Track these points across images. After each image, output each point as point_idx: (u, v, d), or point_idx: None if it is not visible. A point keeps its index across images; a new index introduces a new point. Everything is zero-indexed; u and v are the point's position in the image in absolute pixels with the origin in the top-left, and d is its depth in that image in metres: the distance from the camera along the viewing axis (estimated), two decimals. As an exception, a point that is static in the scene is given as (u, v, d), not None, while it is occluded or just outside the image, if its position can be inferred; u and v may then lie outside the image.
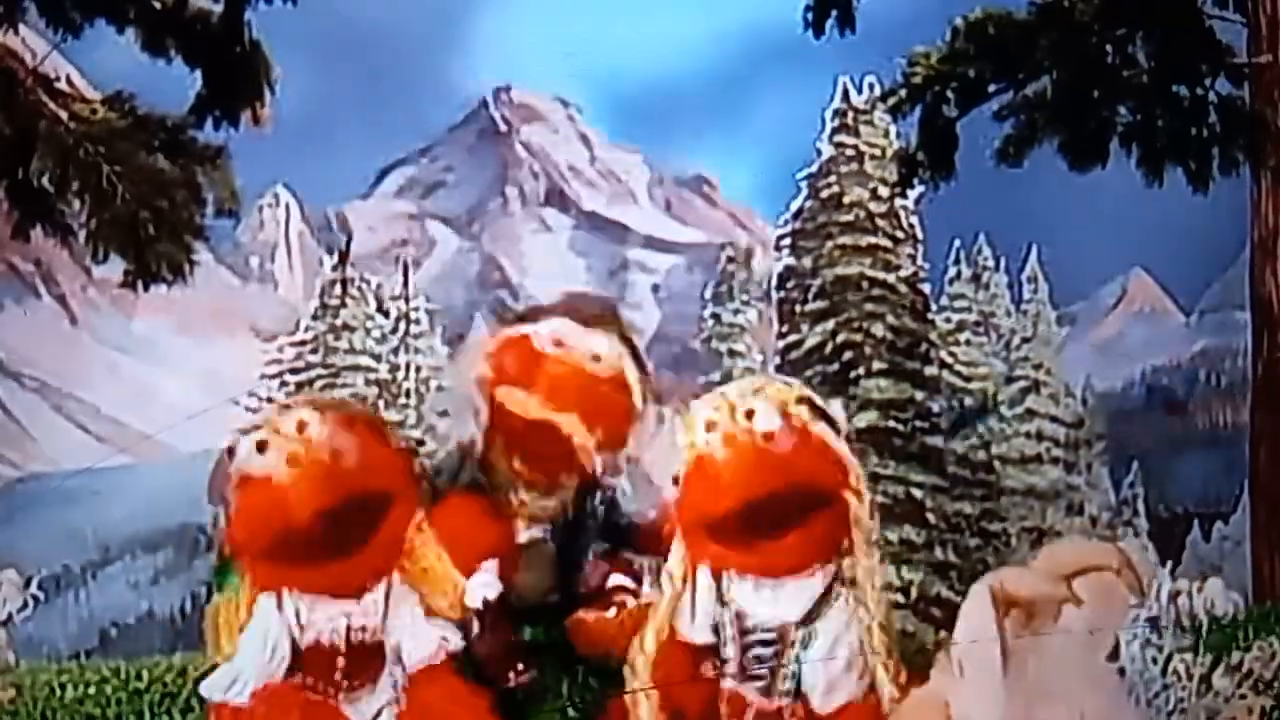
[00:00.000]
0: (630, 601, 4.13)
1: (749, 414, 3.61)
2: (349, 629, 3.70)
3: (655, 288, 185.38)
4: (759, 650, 3.66)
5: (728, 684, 3.67)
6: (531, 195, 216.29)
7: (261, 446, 3.61)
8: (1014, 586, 3.09)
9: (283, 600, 3.68)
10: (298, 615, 3.68)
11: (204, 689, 3.78)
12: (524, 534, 4.19)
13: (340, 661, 3.68)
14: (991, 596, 3.06)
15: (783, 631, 3.65)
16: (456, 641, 3.80)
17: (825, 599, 3.65)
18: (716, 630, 3.70)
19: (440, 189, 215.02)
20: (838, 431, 3.72)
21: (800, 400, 3.69)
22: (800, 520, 3.58)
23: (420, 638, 3.76)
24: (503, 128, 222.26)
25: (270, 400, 39.06)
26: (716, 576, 3.70)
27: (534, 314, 4.33)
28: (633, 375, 4.20)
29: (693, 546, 3.71)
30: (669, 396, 4.31)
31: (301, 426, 3.63)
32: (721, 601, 3.69)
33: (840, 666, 3.61)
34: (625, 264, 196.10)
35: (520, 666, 3.94)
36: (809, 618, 3.64)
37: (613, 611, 4.10)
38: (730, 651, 3.68)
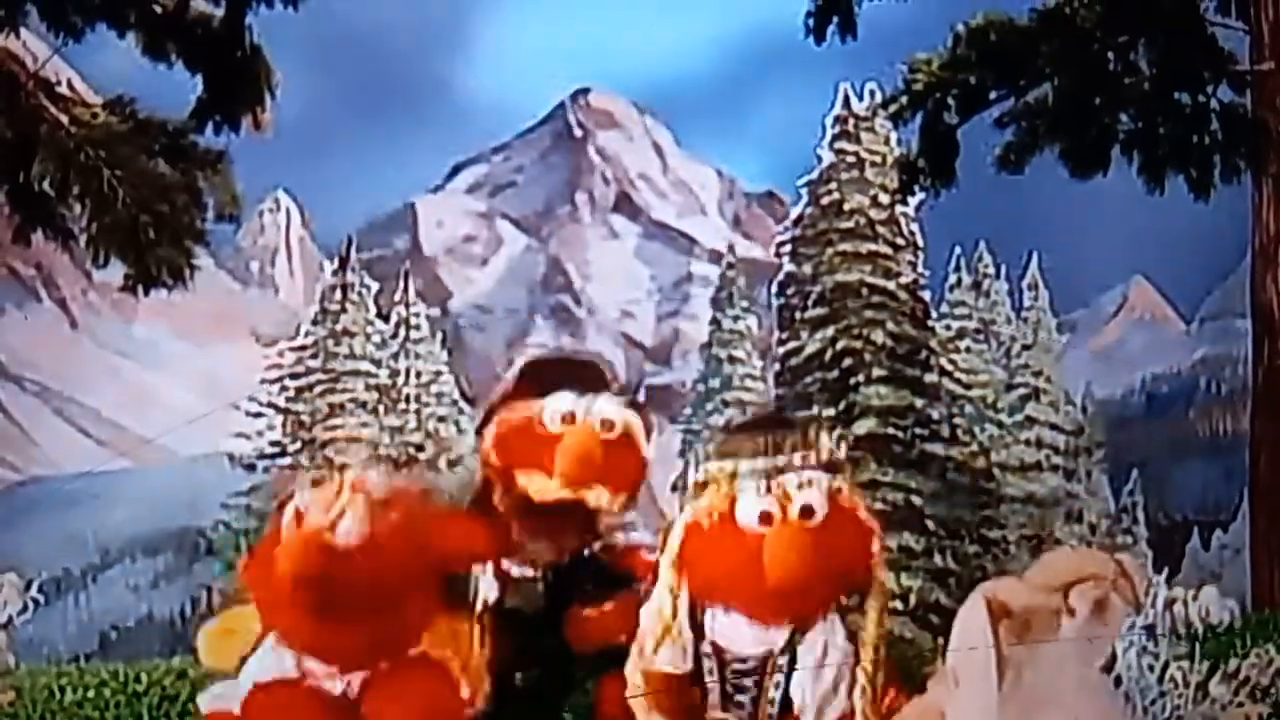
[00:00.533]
0: (626, 593, 4.03)
1: (805, 511, 3.57)
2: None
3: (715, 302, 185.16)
4: (738, 680, 3.63)
5: (711, 714, 3.63)
6: (601, 201, 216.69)
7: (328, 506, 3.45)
8: (1008, 597, 3.09)
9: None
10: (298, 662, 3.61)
11: (201, 702, 3.77)
12: (516, 570, 4.11)
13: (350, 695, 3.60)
14: (986, 606, 3.06)
15: (764, 659, 3.62)
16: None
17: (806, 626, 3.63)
18: (697, 659, 3.66)
19: (510, 189, 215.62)
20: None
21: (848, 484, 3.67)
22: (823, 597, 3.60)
23: None
24: (578, 132, 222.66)
25: (272, 405, 39.13)
26: (694, 607, 3.67)
27: (524, 388, 4.21)
28: (638, 429, 4.12)
29: (693, 588, 3.67)
30: None
31: (366, 495, 3.50)
32: (698, 633, 3.65)
33: (828, 685, 3.58)
34: (689, 276, 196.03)
35: (520, 676, 3.93)
36: (791, 643, 3.61)
37: (610, 604, 4.04)
38: (711, 681, 3.64)
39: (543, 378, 4.16)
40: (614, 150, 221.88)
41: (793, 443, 3.68)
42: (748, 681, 3.62)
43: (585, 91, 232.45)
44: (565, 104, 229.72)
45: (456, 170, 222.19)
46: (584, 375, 4.18)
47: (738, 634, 3.62)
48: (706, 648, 3.64)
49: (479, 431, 4.22)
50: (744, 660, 3.62)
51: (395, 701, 3.53)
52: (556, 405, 4.01)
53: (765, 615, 3.60)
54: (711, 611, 3.65)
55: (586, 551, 4.21)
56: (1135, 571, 3.20)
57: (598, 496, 4.01)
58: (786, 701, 3.59)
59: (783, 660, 3.60)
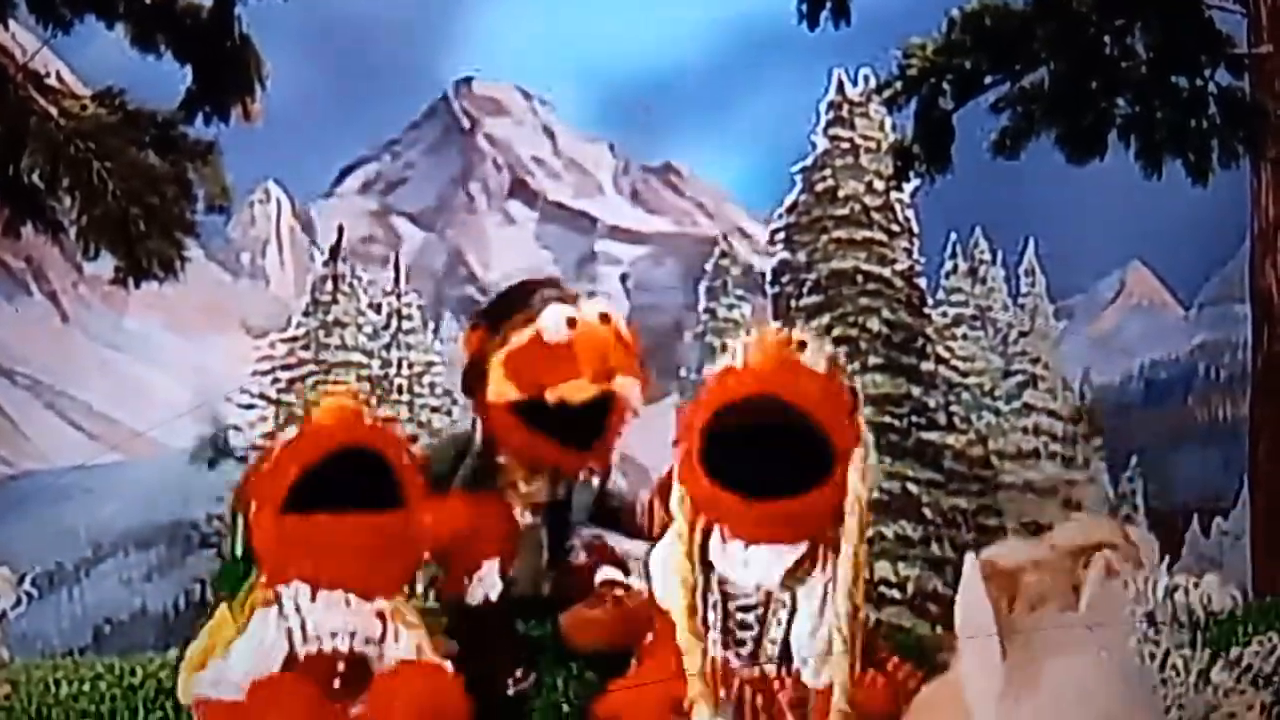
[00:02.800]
0: (619, 593, 4.13)
1: (800, 344, 3.65)
2: (353, 642, 3.66)
3: (624, 278, 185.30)
4: (741, 616, 3.60)
5: (713, 651, 3.59)
6: (495, 189, 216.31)
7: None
8: (1005, 559, 3.10)
9: (285, 609, 3.64)
10: (303, 626, 3.63)
11: (188, 688, 3.75)
12: (520, 521, 4.21)
13: (340, 666, 3.63)
14: (983, 571, 3.02)
15: (764, 598, 3.59)
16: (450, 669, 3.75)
17: (806, 565, 3.59)
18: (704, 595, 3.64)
19: (403, 185, 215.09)
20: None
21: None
22: (802, 488, 3.53)
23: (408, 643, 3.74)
24: (465, 122, 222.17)
25: (263, 397, 39.12)
26: (705, 535, 3.66)
27: (505, 303, 4.35)
28: (621, 319, 4.29)
29: (690, 483, 3.64)
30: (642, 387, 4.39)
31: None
32: (704, 563, 3.64)
33: (824, 644, 3.53)
34: (593, 255, 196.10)
35: (519, 673, 3.95)
36: (788, 583, 3.58)
37: (606, 605, 4.10)
38: (714, 617, 3.61)
39: (514, 303, 4.29)
40: (504, 136, 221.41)
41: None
42: (750, 618, 3.60)
43: (469, 80, 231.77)
44: (449, 95, 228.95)
45: (346, 172, 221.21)
46: (549, 288, 4.33)
47: (750, 563, 3.60)
48: (714, 584, 3.62)
49: (468, 389, 4.31)
50: (747, 596, 3.59)
51: (396, 701, 3.53)
52: (555, 316, 4.14)
53: (751, 532, 3.60)
54: (716, 541, 3.64)
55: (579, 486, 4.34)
56: (1142, 541, 3.23)
57: (624, 386, 4.19)
58: (787, 647, 3.57)
59: (784, 597, 3.57)
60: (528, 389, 4.13)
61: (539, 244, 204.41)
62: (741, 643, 3.60)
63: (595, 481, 4.40)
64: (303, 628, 3.63)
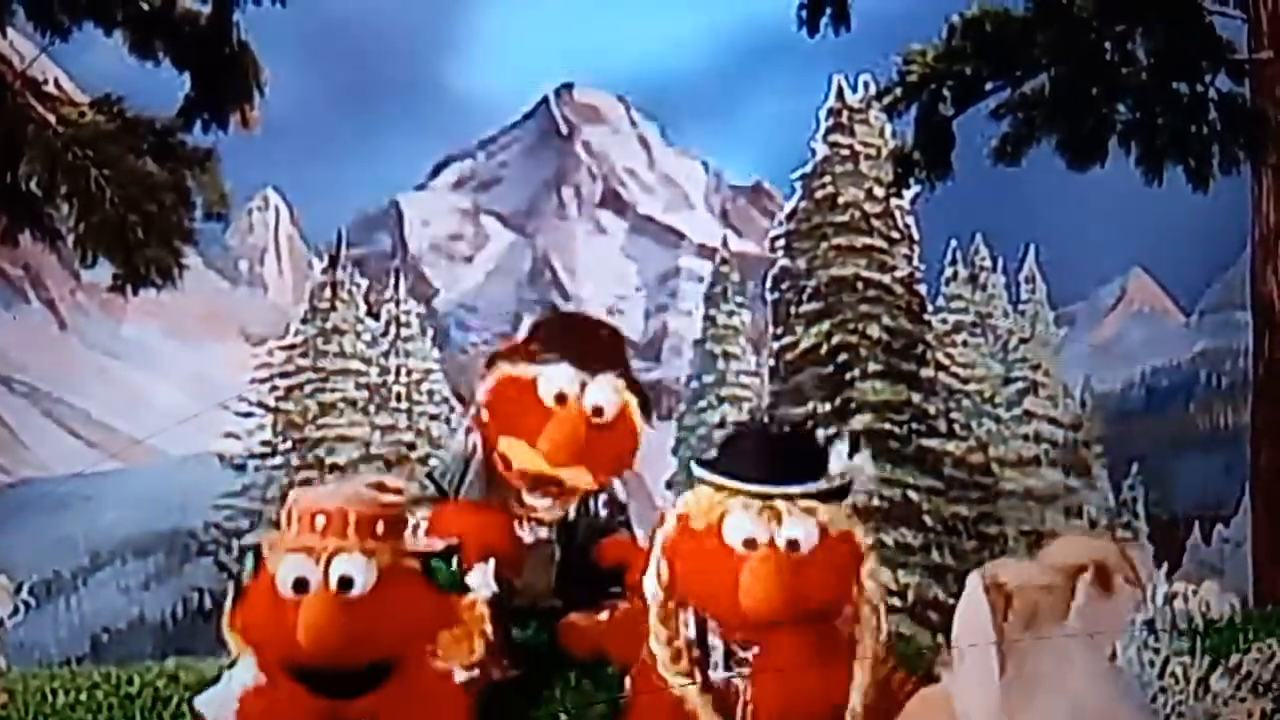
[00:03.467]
0: (623, 605, 4.08)
1: (791, 544, 3.52)
2: None
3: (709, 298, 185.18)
4: (743, 669, 3.60)
5: (716, 675, 3.61)
6: (588, 196, 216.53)
7: (301, 584, 3.36)
8: (1009, 579, 3.08)
9: None
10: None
11: (199, 704, 3.72)
12: (529, 534, 4.19)
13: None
14: (985, 589, 3.04)
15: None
16: None
17: None
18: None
19: (497, 185, 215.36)
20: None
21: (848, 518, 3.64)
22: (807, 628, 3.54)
23: None
24: (564, 128, 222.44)
25: (262, 405, 39.05)
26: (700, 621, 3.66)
27: (531, 345, 4.23)
28: (635, 411, 4.16)
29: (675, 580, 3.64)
30: None
31: (345, 583, 3.39)
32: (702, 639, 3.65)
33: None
34: (677, 271, 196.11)
35: (506, 663, 3.93)
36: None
37: (604, 614, 4.08)
38: (717, 656, 3.63)
39: (552, 338, 4.18)
40: (600, 145, 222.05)
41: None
42: (748, 670, 3.59)
43: (569, 87, 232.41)
44: (550, 99, 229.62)
45: (441, 167, 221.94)
46: (591, 345, 4.19)
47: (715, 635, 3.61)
48: (692, 623, 3.63)
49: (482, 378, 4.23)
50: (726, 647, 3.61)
51: (402, 713, 3.50)
52: (552, 380, 4.05)
53: (736, 634, 3.58)
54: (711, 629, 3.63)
55: (590, 508, 4.29)
56: (1138, 556, 3.21)
57: (576, 477, 4.08)
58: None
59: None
60: (494, 424, 4.13)
61: (626, 255, 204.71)
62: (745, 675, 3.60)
63: (604, 507, 4.36)
64: None
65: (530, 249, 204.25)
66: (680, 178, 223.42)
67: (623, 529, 4.39)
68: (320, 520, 3.39)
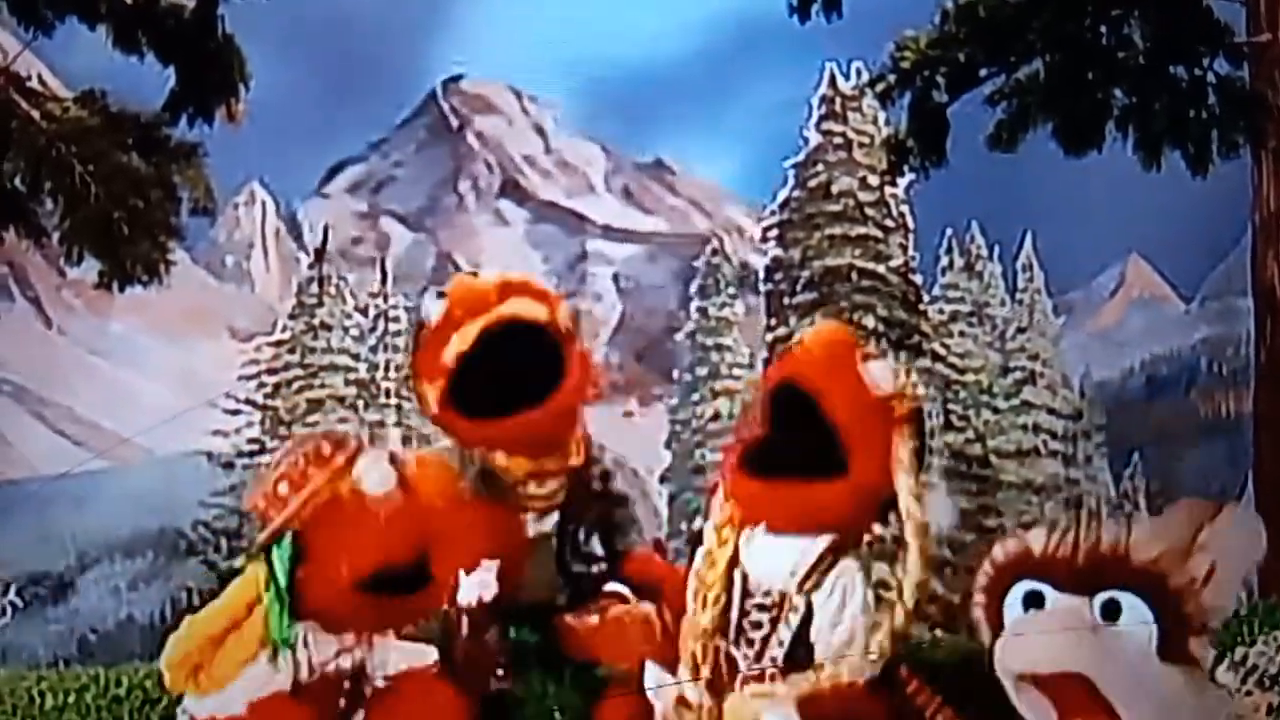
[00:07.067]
0: (618, 608, 4.14)
1: (866, 355, 3.92)
2: (354, 659, 3.70)
3: (616, 278, 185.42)
4: (756, 615, 3.73)
5: (722, 643, 3.71)
6: (486, 188, 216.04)
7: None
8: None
9: (296, 648, 3.65)
10: (310, 660, 3.66)
11: (188, 705, 3.75)
12: (532, 528, 4.26)
13: (345, 685, 3.67)
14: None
15: (779, 599, 3.71)
16: (434, 656, 3.86)
17: (824, 568, 3.71)
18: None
19: (392, 184, 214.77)
20: None
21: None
22: (820, 475, 3.67)
23: (402, 650, 3.81)
24: (454, 121, 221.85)
25: (249, 402, 39.00)
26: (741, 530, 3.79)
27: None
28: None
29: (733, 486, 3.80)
30: (635, 388, 4.41)
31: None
32: (732, 563, 3.79)
33: (843, 638, 3.69)
34: (585, 255, 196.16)
35: (500, 672, 3.96)
36: (804, 587, 3.70)
37: (595, 618, 4.12)
38: (732, 613, 3.75)
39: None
40: (494, 135, 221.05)
41: None
42: (764, 618, 3.71)
43: (457, 79, 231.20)
44: (437, 93, 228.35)
45: (335, 171, 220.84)
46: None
47: (768, 555, 3.73)
48: (736, 579, 3.77)
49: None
50: (762, 594, 3.71)
51: (397, 715, 3.62)
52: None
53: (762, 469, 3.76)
54: (750, 532, 3.77)
55: (586, 485, 4.42)
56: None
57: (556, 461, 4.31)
58: (793, 649, 3.68)
59: (799, 601, 3.70)
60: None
61: (529, 243, 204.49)
62: (750, 642, 3.72)
63: (598, 483, 4.43)
64: (309, 661, 3.66)
65: (433, 246, 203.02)
66: (580, 161, 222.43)
67: (631, 528, 4.42)
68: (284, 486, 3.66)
